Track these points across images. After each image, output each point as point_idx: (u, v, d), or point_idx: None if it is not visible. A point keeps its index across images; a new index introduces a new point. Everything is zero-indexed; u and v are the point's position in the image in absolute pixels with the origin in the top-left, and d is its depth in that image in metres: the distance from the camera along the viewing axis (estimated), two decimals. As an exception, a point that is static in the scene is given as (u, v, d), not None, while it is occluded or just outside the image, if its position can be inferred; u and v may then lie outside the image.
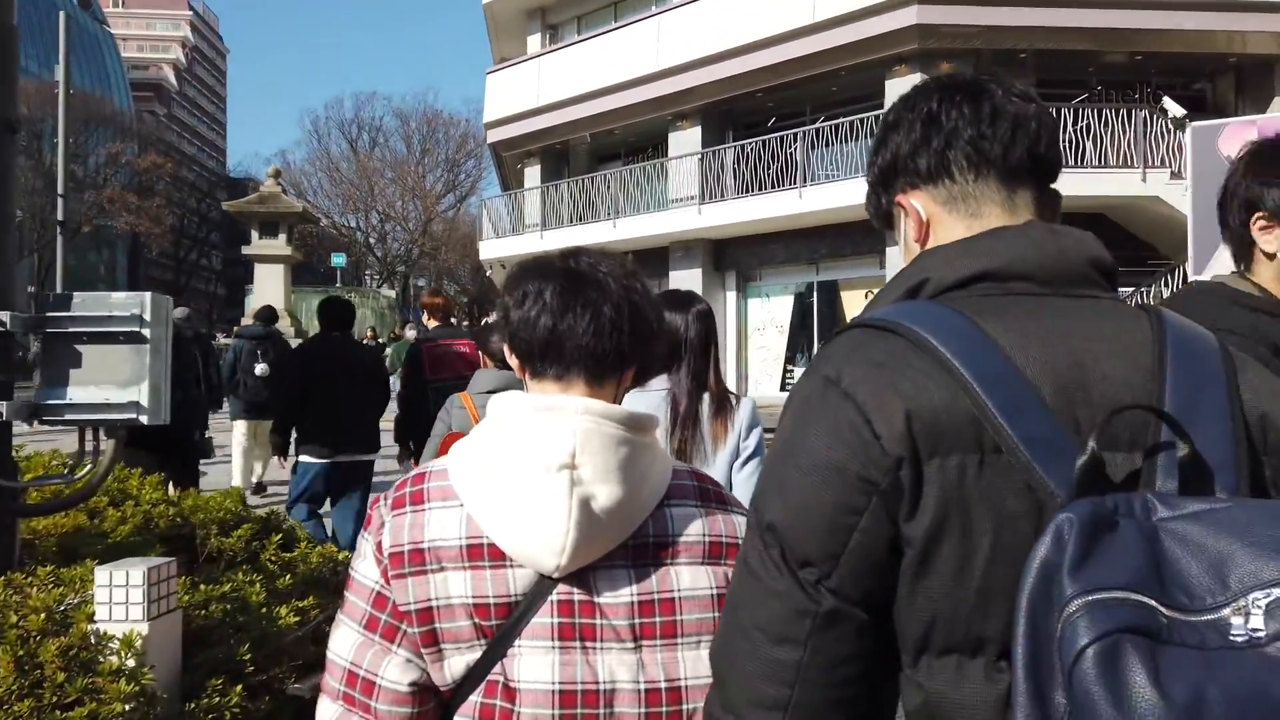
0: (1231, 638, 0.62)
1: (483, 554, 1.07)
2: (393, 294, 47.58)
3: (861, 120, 16.30)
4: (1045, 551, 0.69)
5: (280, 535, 4.07)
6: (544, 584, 1.08)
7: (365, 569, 1.12)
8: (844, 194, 15.77)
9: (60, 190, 19.84)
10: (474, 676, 1.08)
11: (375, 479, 5.77)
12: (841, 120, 16.55)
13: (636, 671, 1.07)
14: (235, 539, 3.69)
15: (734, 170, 18.35)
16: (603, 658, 1.07)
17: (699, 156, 18.67)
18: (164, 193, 56.92)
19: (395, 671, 1.08)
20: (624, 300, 1.17)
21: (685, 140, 19.87)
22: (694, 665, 1.08)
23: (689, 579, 1.10)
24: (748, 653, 0.84)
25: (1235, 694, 0.59)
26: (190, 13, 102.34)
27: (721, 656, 0.88)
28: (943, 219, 0.96)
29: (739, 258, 19.20)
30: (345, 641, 1.11)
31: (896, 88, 16.54)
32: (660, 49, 19.15)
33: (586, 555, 1.07)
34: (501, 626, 1.07)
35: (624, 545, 1.09)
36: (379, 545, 1.10)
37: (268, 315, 9.85)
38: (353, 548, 6.57)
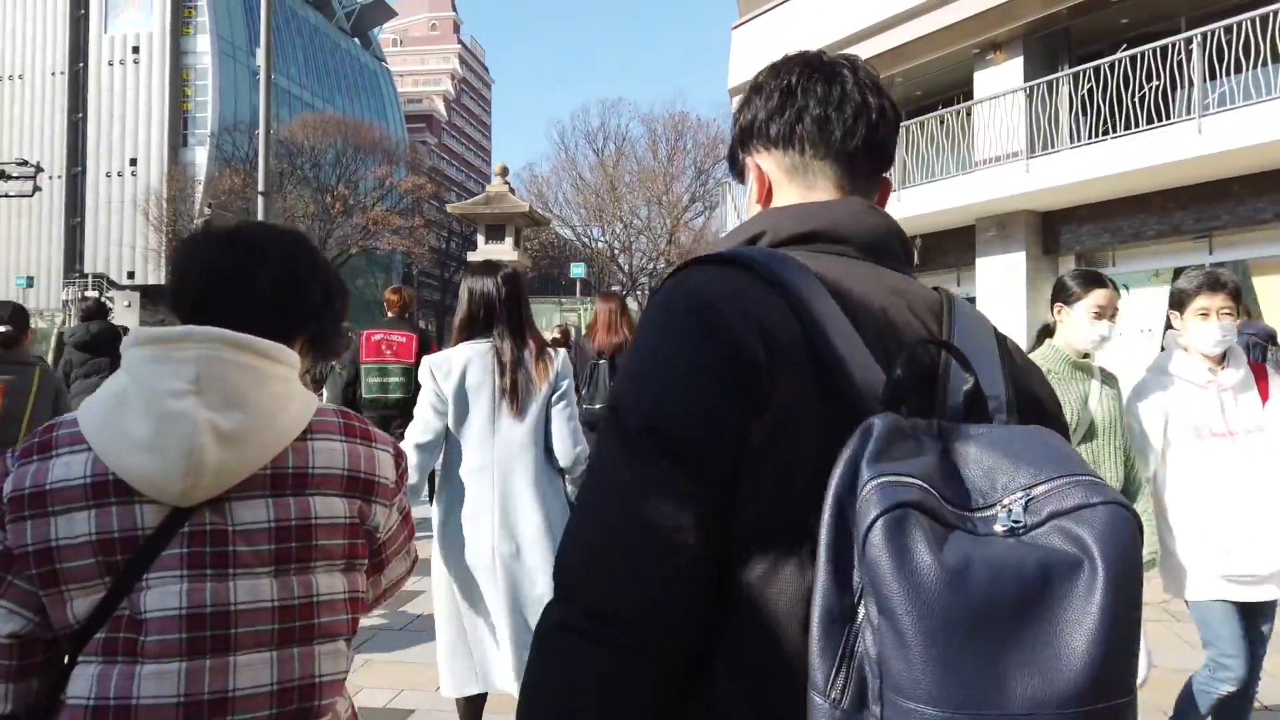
0: (995, 528, 0.72)
1: (109, 490, 1.08)
2: (635, 307, 45.15)
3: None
4: (852, 448, 0.76)
5: None
6: (175, 516, 1.09)
7: None
8: (1254, 126, 10.04)
9: (260, 188, 18.30)
10: (100, 615, 1.08)
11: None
12: (1261, 13, 10.75)
13: (271, 591, 1.12)
14: None
15: (1079, 108, 12.89)
16: (235, 583, 1.10)
17: (1024, 93, 13.38)
18: (427, 215, 58.43)
19: None
20: (282, 275, 1.22)
21: (998, 78, 14.65)
22: (327, 584, 1.17)
23: (325, 507, 1.17)
24: (625, 543, 0.83)
25: (994, 562, 0.68)
26: (459, 46, 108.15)
27: (583, 556, 0.85)
28: (783, 185, 1.05)
29: (1081, 234, 13.67)
30: None
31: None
32: (962, -43, 14.19)
33: (217, 483, 1.09)
34: (129, 562, 1.08)
35: (263, 475, 1.13)
36: None
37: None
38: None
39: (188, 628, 1.08)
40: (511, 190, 25.60)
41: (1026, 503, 0.72)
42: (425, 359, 3.06)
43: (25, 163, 21.24)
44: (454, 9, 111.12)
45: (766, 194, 1.06)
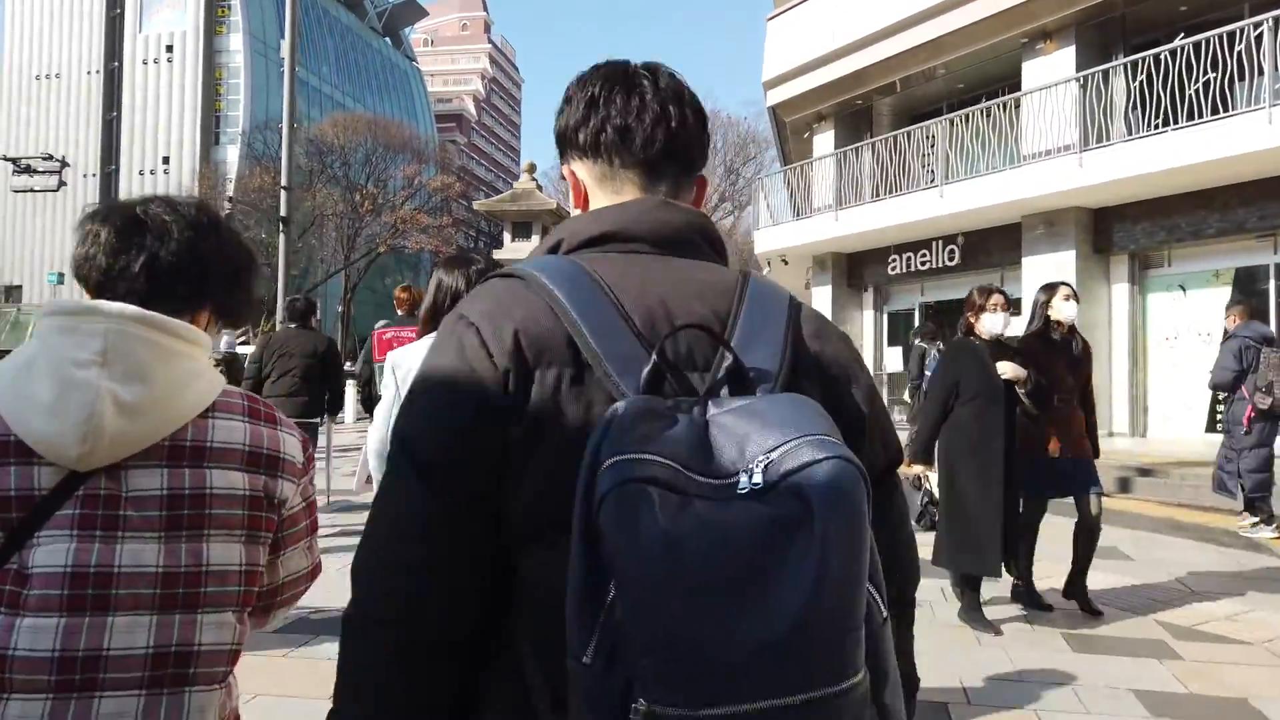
0: (739, 491, 0.76)
1: (9, 451, 1.13)
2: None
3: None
4: (597, 434, 0.80)
5: None
6: (72, 479, 1.14)
7: None
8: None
9: (284, 182, 17.95)
10: None
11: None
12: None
13: (157, 557, 1.16)
14: None
15: (1137, 99, 12.18)
16: (124, 545, 1.15)
17: (1078, 82, 12.69)
18: (455, 214, 58.25)
19: None
20: (185, 248, 1.26)
21: (1048, 69, 13.97)
22: (220, 554, 1.20)
23: (222, 480, 1.21)
24: (380, 553, 0.91)
25: (721, 525, 0.73)
26: (490, 46, 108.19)
27: (357, 564, 0.93)
28: (595, 192, 1.10)
29: (1136, 232, 12.96)
30: None
31: None
32: (1011, -59, 13.52)
33: (114, 450, 1.14)
34: (23, 520, 1.12)
35: (162, 446, 1.18)
36: None
37: None
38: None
39: (70, 585, 1.12)
40: (539, 187, 25.18)
41: (766, 465, 0.76)
42: (389, 355, 3.04)
43: (50, 157, 21.12)
44: (485, 9, 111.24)
45: (583, 198, 1.11)
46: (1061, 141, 12.77)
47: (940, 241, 15.52)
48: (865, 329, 17.69)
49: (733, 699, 0.69)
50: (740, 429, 0.80)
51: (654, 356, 0.87)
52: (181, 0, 62.71)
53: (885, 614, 0.82)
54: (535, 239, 23.80)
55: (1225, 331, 7.62)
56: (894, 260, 16.50)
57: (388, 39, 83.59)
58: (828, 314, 17.64)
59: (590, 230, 1.02)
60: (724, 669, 0.69)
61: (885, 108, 18.34)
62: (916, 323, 16.75)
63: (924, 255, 15.91)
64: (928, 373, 11.10)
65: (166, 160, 61.53)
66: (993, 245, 14.66)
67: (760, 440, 0.78)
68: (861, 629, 0.74)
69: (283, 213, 16.66)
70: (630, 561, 0.71)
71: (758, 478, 0.75)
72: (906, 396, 13.56)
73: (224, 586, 1.20)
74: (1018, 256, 13.99)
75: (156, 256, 1.23)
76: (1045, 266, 13.41)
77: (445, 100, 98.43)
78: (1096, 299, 13.30)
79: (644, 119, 1.05)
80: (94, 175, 63.70)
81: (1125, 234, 13.07)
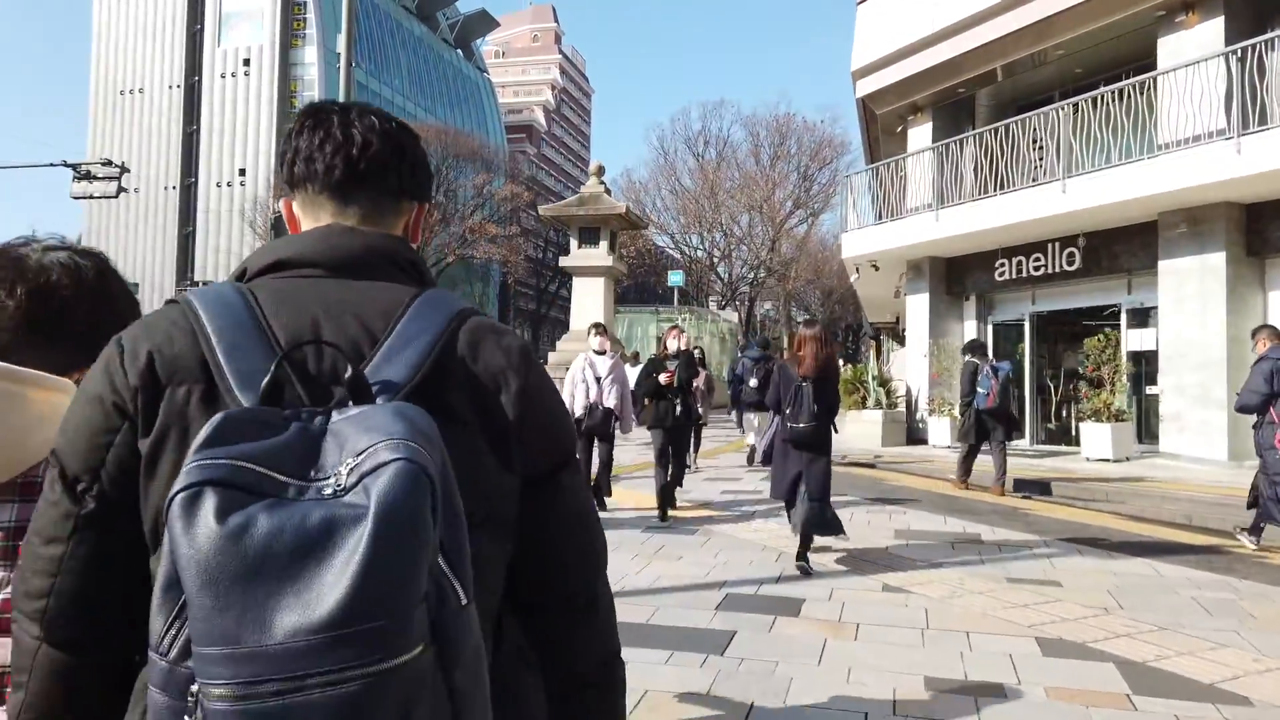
0: (325, 493, 0.81)
1: None
2: (734, 318, 43.01)
3: None
4: (194, 442, 0.84)
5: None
6: None
7: None
8: None
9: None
10: None
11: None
12: None
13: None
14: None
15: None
16: None
17: (1235, 55, 10.91)
18: (524, 223, 57.71)
19: None
20: (42, 306, 1.31)
21: (1189, 45, 12.22)
22: None
23: None
24: (28, 555, 0.99)
25: (281, 522, 0.77)
26: (560, 57, 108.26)
27: (23, 564, 1.00)
28: (302, 221, 1.18)
29: (1300, 231, 11.10)
30: None
31: None
32: (1145, -100, 11.83)
33: None
34: None
35: (14, 483, 1.25)
36: None
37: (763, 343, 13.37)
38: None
39: None
40: (607, 191, 23.97)
41: (352, 468, 0.81)
42: None
43: (110, 163, 20.76)
44: (556, 20, 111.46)
45: (296, 226, 1.18)
46: (1210, 126, 11.02)
47: (1057, 244, 13.80)
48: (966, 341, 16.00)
49: (275, 678, 0.74)
50: (345, 434, 0.85)
51: (272, 370, 0.92)
52: (259, 13, 63.77)
53: (465, 599, 0.84)
54: (603, 245, 22.52)
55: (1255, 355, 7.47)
56: (1001, 265, 14.81)
57: (459, 50, 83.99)
58: (924, 325, 16.04)
59: (267, 258, 1.08)
60: (265, 654, 0.74)
61: (985, 97, 16.67)
62: (1026, 335, 15.02)
63: (1037, 259, 14.20)
64: (979, 390, 9.72)
65: (243, 172, 62.46)
66: (1120, 247, 12.92)
67: (354, 444, 0.83)
68: (411, 616, 0.78)
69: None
70: (186, 558, 0.75)
71: (343, 479, 0.80)
72: (957, 413, 12.02)
73: None
74: (1152, 260, 12.24)
75: (64, 314, 1.31)
76: (1187, 271, 11.65)
77: (516, 111, 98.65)
78: (1250, 309, 11.48)
79: (325, 149, 1.12)
80: (174, 188, 65.06)
81: (1286, 232, 11.23)
